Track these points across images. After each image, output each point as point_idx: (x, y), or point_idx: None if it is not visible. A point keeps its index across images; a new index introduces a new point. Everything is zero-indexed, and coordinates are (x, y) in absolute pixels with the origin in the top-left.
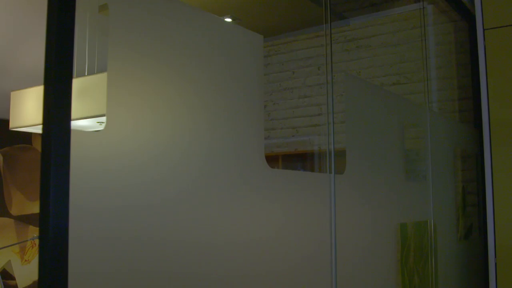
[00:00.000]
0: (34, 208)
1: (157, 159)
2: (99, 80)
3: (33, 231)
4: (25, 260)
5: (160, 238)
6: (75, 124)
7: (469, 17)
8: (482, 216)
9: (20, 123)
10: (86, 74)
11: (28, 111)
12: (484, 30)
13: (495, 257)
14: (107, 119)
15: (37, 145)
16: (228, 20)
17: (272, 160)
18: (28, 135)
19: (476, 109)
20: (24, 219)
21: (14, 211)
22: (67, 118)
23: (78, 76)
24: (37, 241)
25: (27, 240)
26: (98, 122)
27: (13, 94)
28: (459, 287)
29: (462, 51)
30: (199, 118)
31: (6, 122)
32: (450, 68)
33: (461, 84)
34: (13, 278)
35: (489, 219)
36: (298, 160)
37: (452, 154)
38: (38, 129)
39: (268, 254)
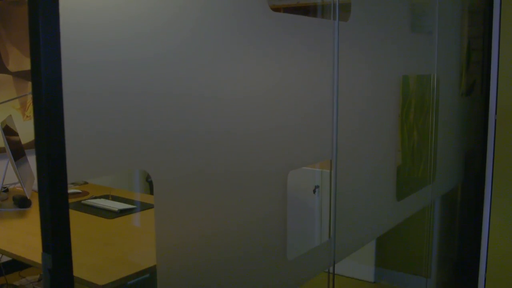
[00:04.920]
0: None
1: (155, 7)
2: None
3: None
4: (27, 116)
5: (160, 90)
6: None
7: None
8: (485, 73)
9: None
10: None
11: None
12: None
13: (496, 114)
14: None
15: None
16: None
17: None
18: None
19: None
20: (22, 75)
21: (12, 67)
22: None
23: None
24: None
25: (26, 94)
26: None
27: None
28: (457, 143)
29: None
30: None
31: None
32: None
33: None
34: (15, 134)
35: (493, 76)
36: (301, 13)
37: (459, 9)
38: None
39: (271, 101)
